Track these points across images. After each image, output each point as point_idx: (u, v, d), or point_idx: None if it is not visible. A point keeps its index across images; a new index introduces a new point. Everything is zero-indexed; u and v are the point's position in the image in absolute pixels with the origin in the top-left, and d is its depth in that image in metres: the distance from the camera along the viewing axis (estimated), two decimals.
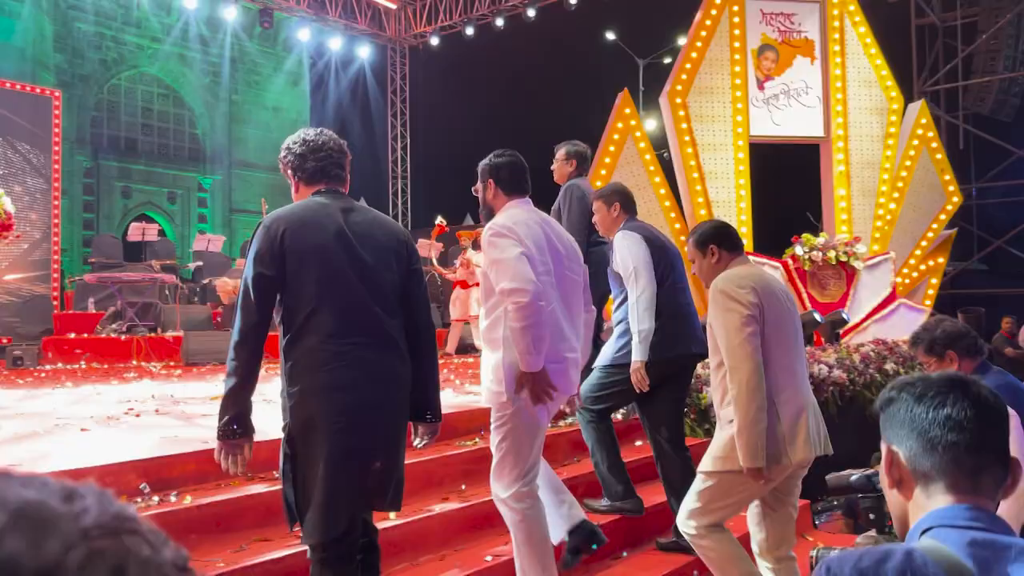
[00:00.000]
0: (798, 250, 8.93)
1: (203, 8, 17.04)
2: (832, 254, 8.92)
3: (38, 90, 11.13)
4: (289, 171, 2.53)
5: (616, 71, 16.10)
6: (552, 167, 4.91)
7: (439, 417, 2.57)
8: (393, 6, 18.50)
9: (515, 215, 2.89)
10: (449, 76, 18.25)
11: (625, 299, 3.85)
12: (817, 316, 8.04)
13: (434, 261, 10.30)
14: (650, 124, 14.34)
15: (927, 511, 1.19)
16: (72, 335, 9.37)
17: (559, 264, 2.89)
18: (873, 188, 9.81)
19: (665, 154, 10.11)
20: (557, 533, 3.02)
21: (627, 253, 3.80)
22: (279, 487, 2.89)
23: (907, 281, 9.96)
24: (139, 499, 2.89)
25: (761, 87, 9.77)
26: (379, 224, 2.49)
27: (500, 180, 2.99)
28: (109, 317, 9.89)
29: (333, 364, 2.25)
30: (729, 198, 9.40)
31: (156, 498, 2.92)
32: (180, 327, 9.48)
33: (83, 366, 8.38)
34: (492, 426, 2.87)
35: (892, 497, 1.28)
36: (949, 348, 2.99)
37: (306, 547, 2.35)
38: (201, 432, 3.74)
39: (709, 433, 6.01)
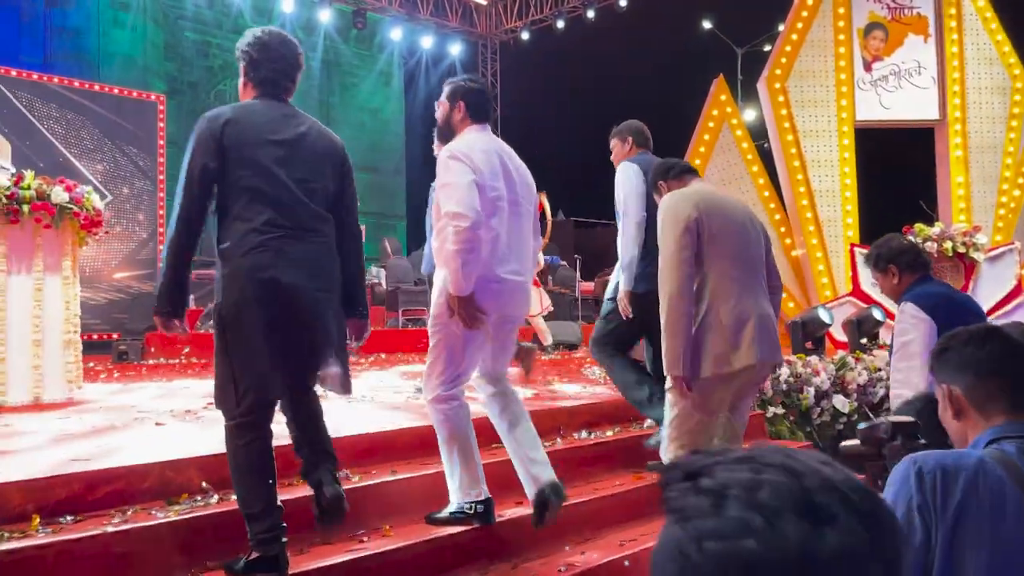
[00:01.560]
0: None
1: (300, 12, 17.45)
2: (948, 245, 8.23)
3: (144, 95, 11.55)
4: (242, 64, 2.66)
5: (712, 61, 15.51)
6: None
7: (366, 314, 2.78)
8: (484, 2, 18.45)
9: (473, 141, 2.95)
10: (540, 70, 18.05)
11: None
12: None
13: None
14: (749, 115, 13.78)
15: (987, 429, 1.48)
16: None
17: (512, 191, 2.97)
18: (995, 173, 9.05)
19: (765, 144, 9.65)
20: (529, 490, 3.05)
21: (620, 185, 3.96)
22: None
23: None
24: (199, 497, 2.82)
25: (868, 69, 9.17)
26: (319, 132, 2.66)
27: (469, 104, 3.05)
28: (207, 314, 10.19)
29: (259, 249, 2.42)
30: (833, 187, 8.86)
31: (216, 496, 2.84)
32: None
33: (183, 360, 8.62)
34: (429, 331, 2.99)
35: (954, 427, 1.57)
36: (891, 263, 3.15)
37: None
38: None
39: (810, 436, 5.59)
